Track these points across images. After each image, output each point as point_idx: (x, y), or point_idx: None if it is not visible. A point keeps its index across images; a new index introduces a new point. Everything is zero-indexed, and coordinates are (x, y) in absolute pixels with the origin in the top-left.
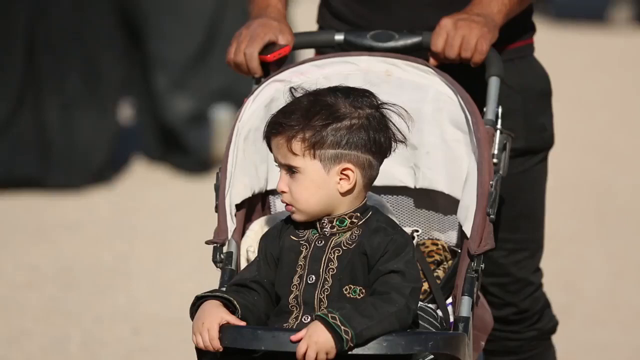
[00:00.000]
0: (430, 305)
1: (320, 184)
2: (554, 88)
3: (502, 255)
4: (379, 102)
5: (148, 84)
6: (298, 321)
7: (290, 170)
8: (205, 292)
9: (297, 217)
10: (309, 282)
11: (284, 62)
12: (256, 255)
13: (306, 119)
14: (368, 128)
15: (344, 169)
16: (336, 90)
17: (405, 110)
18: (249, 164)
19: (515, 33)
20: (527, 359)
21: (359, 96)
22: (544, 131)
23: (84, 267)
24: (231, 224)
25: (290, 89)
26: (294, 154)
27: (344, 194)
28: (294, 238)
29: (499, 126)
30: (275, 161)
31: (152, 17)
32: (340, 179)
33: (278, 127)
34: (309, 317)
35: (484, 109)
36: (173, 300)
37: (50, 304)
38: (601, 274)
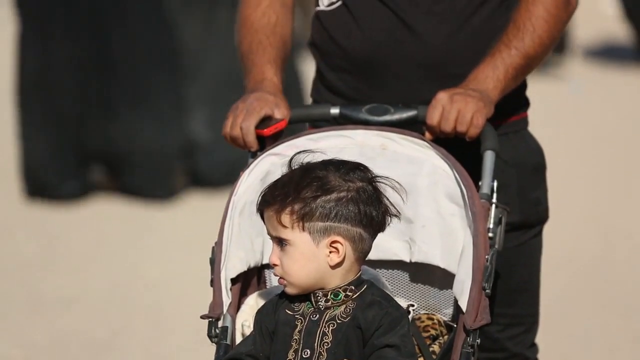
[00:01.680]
0: None
1: (309, 257)
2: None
3: (498, 330)
4: (372, 176)
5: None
6: None
7: (281, 242)
8: None
9: (289, 290)
10: (304, 356)
11: (280, 136)
12: (252, 329)
13: (296, 192)
14: (358, 201)
15: (333, 242)
16: (328, 163)
17: (399, 184)
18: (244, 237)
19: (509, 107)
20: None
21: (351, 169)
22: (539, 205)
23: (79, 341)
24: (226, 298)
25: (290, 161)
26: (284, 226)
27: (334, 267)
28: (289, 312)
29: (494, 200)
30: (268, 234)
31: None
32: (330, 252)
33: (269, 200)
34: None
35: (479, 183)
36: None
37: None
38: (596, 349)
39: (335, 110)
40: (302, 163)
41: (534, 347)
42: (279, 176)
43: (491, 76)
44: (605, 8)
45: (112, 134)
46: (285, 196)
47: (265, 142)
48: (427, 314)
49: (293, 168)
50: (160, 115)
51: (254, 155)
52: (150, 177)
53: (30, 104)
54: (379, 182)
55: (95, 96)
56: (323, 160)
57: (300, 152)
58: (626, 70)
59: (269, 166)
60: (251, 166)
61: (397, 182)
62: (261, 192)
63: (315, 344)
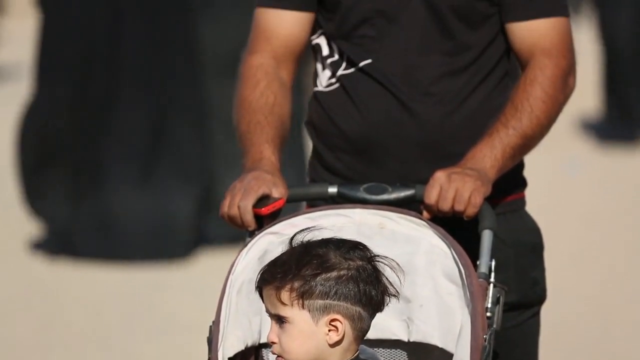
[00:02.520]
0: None
1: (308, 335)
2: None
3: None
4: (371, 255)
5: None
6: None
7: (280, 320)
8: None
9: None
10: None
11: (278, 215)
12: None
13: (296, 269)
14: (358, 280)
15: (333, 320)
16: (328, 241)
17: (397, 264)
18: (242, 316)
19: (506, 187)
20: None
21: (351, 248)
22: (536, 285)
23: None
24: None
25: (290, 240)
26: (283, 303)
27: (332, 345)
28: None
29: (492, 279)
30: (267, 311)
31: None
32: (329, 330)
33: (269, 277)
34: None
35: (477, 262)
36: None
37: None
38: None
39: (333, 189)
40: (302, 241)
41: None
42: (277, 255)
43: (489, 155)
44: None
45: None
46: (285, 274)
47: (263, 221)
48: None
49: (293, 246)
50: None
51: (252, 234)
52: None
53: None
54: (378, 261)
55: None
56: (323, 239)
57: (302, 230)
58: (610, 147)
59: (266, 245)
60: (249, 245)
61: (395, 262)
62: (260, 270)
63: None
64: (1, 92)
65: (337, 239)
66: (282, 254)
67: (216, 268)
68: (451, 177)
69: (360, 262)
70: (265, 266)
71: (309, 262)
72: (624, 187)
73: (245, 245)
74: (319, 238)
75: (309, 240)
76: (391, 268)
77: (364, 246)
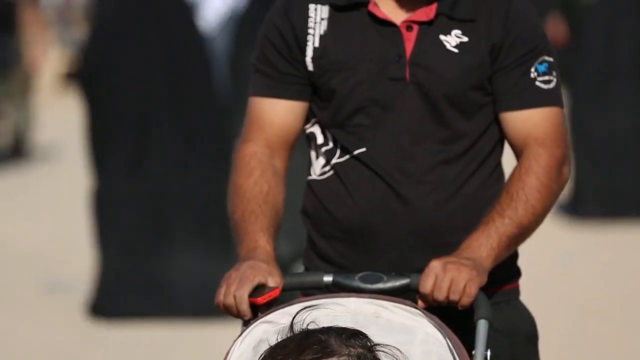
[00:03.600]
0: None
1: None
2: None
3: None
4: (372, 344)
5: None
6: None
7: None
8: None
9: None
10: None
11: (273, 304)
12: None
13: (297, 353)
14: None
15: None
16: (329, 328)
17: (400, 351)
18: None
19: (501, 277)
20: None
21: (352, 336)
22: None
23: None
24: None
25: (291, 326)
26: None
27: None
28: None
29: None
30: None
31: None
32: None
33: None
34: None
35: (473, 352)
36: None
37: None
38: None
39: (328, 278)
40: (302, 328)
41: None
42: (272, 344)
43: (485, 245)
44: None
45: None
46: (285, 357)
47: (258, 310)
48: None
49: (294, 331)
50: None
51: (247, 324)
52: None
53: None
54: (379, 350)
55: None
56: (324, 326)
57: (304, 308)
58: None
59: (261, 334)
60: (244, 334)
61: (398, 349)
62: (262, 355)
63: None
64: (36, 173)
65: (337, 326)
66: (283, 339)
67: None
68: (446, 266)
69: (361, 350)
70: (267, 350)
71: (309, 347)
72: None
73: (240, 335)
74: (319, 326)
75: (309, 327)
76: (393, 356)
77: (365, 335)
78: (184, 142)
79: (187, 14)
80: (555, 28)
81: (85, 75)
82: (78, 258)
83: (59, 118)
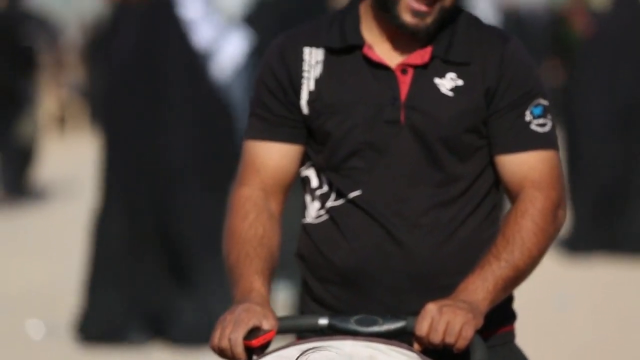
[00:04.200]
0: None
1: None
2: None
3: None
4: None
5: None
6: None
7: None
8: None
9: None
10: None
11: (268, 347)
12: None
13: None
14: None
15: None
16: None
17: None
18: None
19: (497, 319)
20: None
21: None
22: None
23: None
24: None
25: None
26: None
27: None
28: None
29: None
30: None
31: None
32: None
33: None
34: None
35: None
36: None
37: None
38: None
39: (323, 321)
40: None
41: None
42: None
43: (481, 288)
44: None
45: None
46: None
47: (253, 353)
48: None
49: None
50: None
51: None
52: None
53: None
54: None
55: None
56: None
57: (302, 353)
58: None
59: None
60: None
61: None
62: None
63: None
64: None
65: None
66: None
67: None
68: (442, 309)
69: None
70: None
71: None
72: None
73: None
74: None
75: None
76: None
77: None
78: (205, 188)
79: (205, 62)
80: (551, 68)
81: (103, 120)
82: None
83: (58, 157)
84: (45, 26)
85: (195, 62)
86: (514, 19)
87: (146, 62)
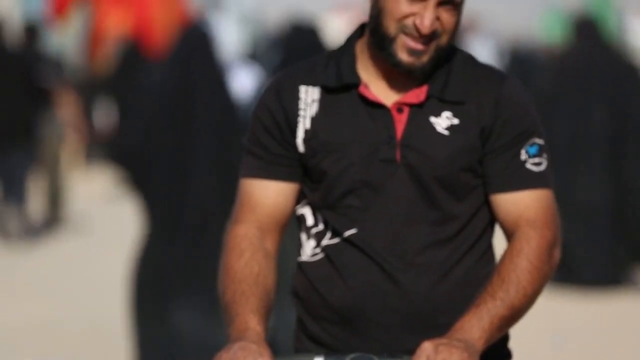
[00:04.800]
0: None
1: None
2: None
3: None
4: None
5: None
6: None
7: None
8: None
9: None
10: None
11: None
12: None
13: None
14: None
15: None
16: None
17: None
18: None
19: (492, 358)
20: None
21: None
22: None
23: None
24: None
25: None
26: None
27: None
28: None
29: None
30: None
31: None
32: None
33: None
34: None
35: None
36: None
37: None
38: None
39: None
40: None
41: None
42: None
43: (477, 326)
44: None
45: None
46: None
47: None
48: None
49: None
50: None
51: None
52: None
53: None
54: None
55: None
56: None
57: None
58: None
59: None
60: None
61: None
62: None
63: None
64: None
65: None
66: None
67: None
68: (438, 348)
69: None
70: None
71: None
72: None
73: None
74: None
75: None
76: None
77: None
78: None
79: (230, 100)
80: None
81: (128, 160)
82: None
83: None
84: (61, 67)
85: (224, 100)
86: (514, 58)
87: (171, 104)
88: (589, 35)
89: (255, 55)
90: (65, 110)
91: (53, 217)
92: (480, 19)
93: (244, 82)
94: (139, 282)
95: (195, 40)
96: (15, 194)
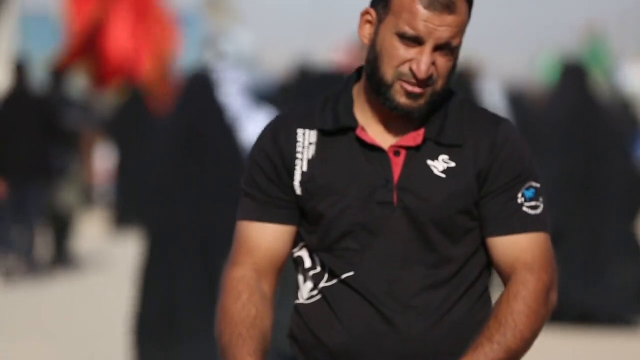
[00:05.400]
0: None
1: None
2: None
3: None
4: None
5: None
6: None
7: None
8: None
9: None
10: None
11: None
12: None
13: None
14: None
15: None
16: None
17: None
18: None
19: None
20: None
21: None
22: None
23: None
24: None
25: None
26: None
27: None
28: None
29: None
30: None
31: None
32: None
33: None
34: None
35: None
36: None
37: None
38: None
39: None
40: None
41: None
42: None
43: None
44: None
45: None
46: None
47: None
48: None
49: None
50: None
51: None
52: None
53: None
54: None
55: None
56: None
57: None
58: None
59: None
60: None
61: None
62: None
63: None
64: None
65: None
66: None
67: None
68: None
69: None
70: None
71: None
72: None
73: None
74: None
75: None
76: None
77: None
78: None
79: (238, 143)
80: None
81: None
82: None
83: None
84: (84, 111)
85: (234, 141)
86: (520, 103)
87: (193, 150)
88: (574, 79)
89: (273, 99)
90: (86, 151)
91: (58, 256)
92: (487, 63)
93: (257, 124)
94: (142, 316)
95: (201, 87)
96: (25, 231)
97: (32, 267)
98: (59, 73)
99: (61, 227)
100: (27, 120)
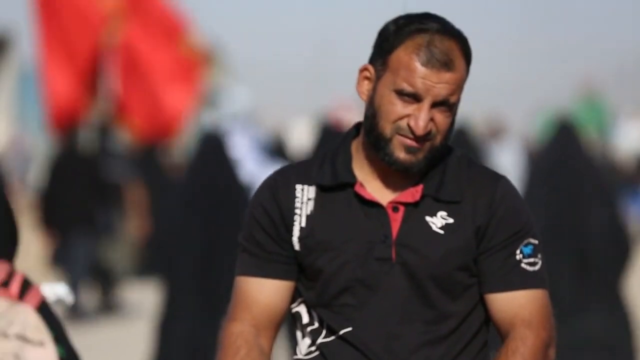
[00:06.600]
0: None
1: None
2: None
3: None
4: None
5: None
6: None
7: None
8: None
9: None
10: None
11: None
12: None
13: None
14: None
15: None
16: None
17: None
18: None
19: None
20: None
21: None
22: None
23: None
24: None
25: None
26: None
27: None
28: None
29: None
30: None
31: None
32: None
33: None
34: None
35: None
36: None
37: None
38: None
39: None
40: None
41: None
42: None
43: None
44: None
45: None
46: None
47: None
48: None
49: None
50: None
51: None
52: None
53: None
54: None
55: None
56: None
57: None
58: None
59: None
60: None
61: None
62: None
63: None
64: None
65: None
66: None
67: None
68: None
69: None
70: None
71: None
72: None
73: None
74: None
75: None
76: None
77: None
78: None
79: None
80: None
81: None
82: None
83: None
84: (129, 165)
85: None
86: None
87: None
88: (565, 137)
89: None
90: (132, 205)
91: (104, 304)
92: (506, 124)
93: (250, 167)
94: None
95: (214, 147)
96: (72, 279)
97: (77, 316)
98: (105, 128)
99: (107, 281)
100: (76, 177)
